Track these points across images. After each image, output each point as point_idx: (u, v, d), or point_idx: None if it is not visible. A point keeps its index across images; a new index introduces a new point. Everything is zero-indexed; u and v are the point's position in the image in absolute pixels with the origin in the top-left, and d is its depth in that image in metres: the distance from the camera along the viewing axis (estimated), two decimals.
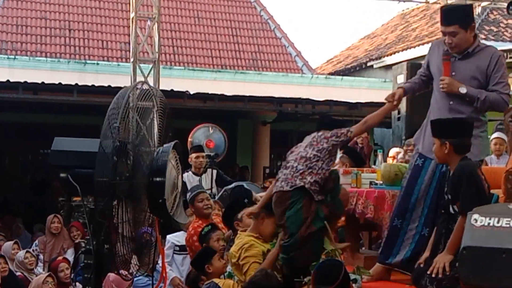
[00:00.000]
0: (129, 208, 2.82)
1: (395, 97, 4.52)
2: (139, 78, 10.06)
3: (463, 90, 4.26)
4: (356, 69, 18.69)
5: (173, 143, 3.05)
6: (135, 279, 6.14)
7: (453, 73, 4.35)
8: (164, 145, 2.99)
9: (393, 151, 7.80)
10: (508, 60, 14.03)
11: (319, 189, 4.31)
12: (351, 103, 12.27)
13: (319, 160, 4.38)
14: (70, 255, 7.98)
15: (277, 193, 4.39)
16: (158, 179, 2.87)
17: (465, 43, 4.31)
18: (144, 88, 3.35)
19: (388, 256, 4.49)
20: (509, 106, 4.33)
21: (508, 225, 3.29)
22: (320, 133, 4.51)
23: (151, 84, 9.99)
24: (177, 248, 6.07)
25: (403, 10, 21.94)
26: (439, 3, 11.01)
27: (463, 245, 3.41)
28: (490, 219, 3.37)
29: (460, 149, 4.01)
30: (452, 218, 3.94)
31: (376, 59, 17.92)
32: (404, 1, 11.93)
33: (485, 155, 4.33)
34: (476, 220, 3.42)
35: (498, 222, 3.34)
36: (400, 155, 7.37)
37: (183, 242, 5.74)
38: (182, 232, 5.81)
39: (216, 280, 4.35)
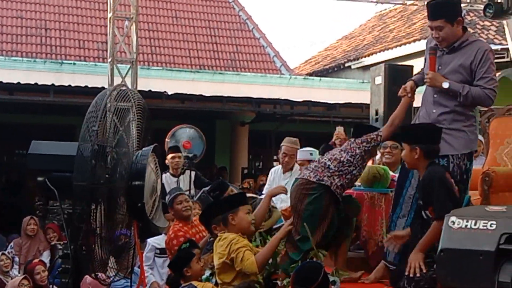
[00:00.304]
0: (107, 212, 2.79)
1: (407, 90, 4.52)
2: (117, 78, 9.99)
3: (445, 84, 4.28)
4: (334, 69, 18.77)
5: (152, 146, 3.02)
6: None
7: (440, 67, 4.37)
8: (144, 149, 2.97)
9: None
10: None
11: (342, 194, 4.39)
12: (330, 104, 12.32)
13: (352, 165, 4.48)
14: (46, 257, 7.89)
15: (301, 179, 4.48)
16: (137, 182, 2.84)
17: (452, 37, 4.31)
18: (122, 89, 3.32)
19: (387, 253, 4.54)
20: (493, 102, 4.34)
21: (485, 227, 3.31)
22: (352, 140, 4.60)
23: (129, 84, 9.93)
24: (158, 251, 6.04)
25: (380, 11, 22.08)
26: (416, 4, 11.10)
27: (440, 247, 3.43)
28: (467, 221, 3.39)
29: (429, 155, 4.08)
30: (425, 223, 3.99)
31: (354, 60, 18.02)
32: (382, 3, 11.97)
33: (469, 150, 4.33)
34: (453, 222, 3.44)
35: (475, 224, 3.36)
36: (377, 157, 7.39)
37: (163, 245, 5.72)
38: (163, 235, 5.77)
39: (194, 283, 4.33)
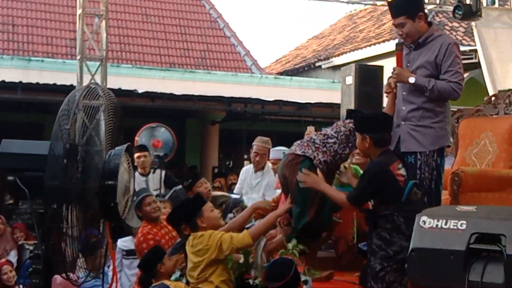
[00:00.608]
0: (79, 212, 2.76)
1: (392, 86, 4.53)
2: (86, 76, 9.88)
3: (411, 79, 4.31)
4: (304, 69, 18.84)
5: (125, 145, 2.99)
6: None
7: (408, 64, 4.40)
8: (116, 148, 2.94)
9: None
10: None
11: (326, 171, 4.37)
12: (301, 103, 12.36)
13: (336, 142, 4.51)
14: (13, 257, 7.76)
15: (288, 155, 4.52)
16: (110, 182, 2.81)
17: (415, 32, 4.35)
18: (94, 87, 3.28)
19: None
20: (460, 95, 4.39)
21: (455, 227, 3.34)
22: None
23: (98, 82, 9.82)
24: (125, 253, 5.98)
25: (350, 11, 22.22)
26: (386, 5, 11.18)
27: (412, 246, 3.46)
28: (438, 221, 3.43)
29: (379, 143, 4.12)
30: (375, 215, 4.04)
31: (324, 59, 18.11)
32: (352, 3, 12.04)
33: (438, 146, 4.36)
34: (424, 222, 3.47)
35: (446, 224, 3.39)
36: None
37: (131, 247, 5.66)
38: (130, 237, 5.71)
39: (167, 282, 4.32)
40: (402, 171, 4.03)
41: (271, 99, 12.24)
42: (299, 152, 4.45)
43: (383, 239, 3.96)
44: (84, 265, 4.03)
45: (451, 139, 6.97)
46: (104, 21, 9.98)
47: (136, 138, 8.80)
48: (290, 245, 4.36)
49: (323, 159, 4.44)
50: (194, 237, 4.18)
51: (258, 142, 6.97)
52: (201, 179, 5.82)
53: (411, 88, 4.37)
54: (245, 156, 13.92)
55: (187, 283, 4.31)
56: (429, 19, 15.87)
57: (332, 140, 4.51)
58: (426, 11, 15.26)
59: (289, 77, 15.18)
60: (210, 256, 4.07)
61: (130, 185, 3.01)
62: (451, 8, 10.48)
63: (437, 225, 3.41)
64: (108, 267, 5.03)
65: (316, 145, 4.48)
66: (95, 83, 3.07)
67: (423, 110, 4.35)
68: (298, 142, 4.58)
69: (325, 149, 4.47)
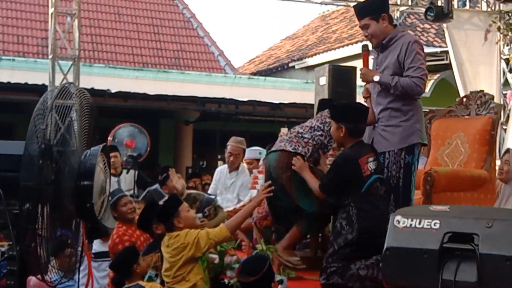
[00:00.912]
0: (53, 212, 2.74)
1: (370, 91, 4.60)
2: (58, 75, 9.78)
3: (376, 78, 4.42)
4: (278, 69, 18.88)
5: (101, 145, 2.97)
6: (54, 279, 5.96)
7: (377, 67, 4.50)
8: (92, 148, 2.92)
9: None
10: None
11: (312, 164, 4.46)
12: (274, 103, 12.39)
13: (323, 134, 4.57)
14: None
15: (280, 153, 4.51)
16: (85, 182, 2.79)
17: (380, 33, 4.44)
18: (66, 86, 3.24)
19: None
20: (423, 90, 4.47)
21: (429, 226, 3.36)
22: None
23: (71, 81, 9.72)
24: (93, 255, 5.92)
25: (323, 12, 22.34)
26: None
27: (386, 245, 3.46)
28: (412, 220, 3.44)
29: (354, 133, 4.21)
30: (337, 206, 4.13)
31: (298, 60, 18.17)
32: (326, 4, 12.10)
33: (407, 144, 4.41)
34: (398, 222, 3.48)
35: (419, 223, 3.40)
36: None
37: (98, 249, 5.61)
38: (98, 240, 5.64)
39: (141, 283, 4.30)
40: (371, 165, 4.11)
41: (245, 99, 12.25)
42: (290, 149, 4.49)
43: (335, 231, 4.10)
44: (57, 266, 3.99)
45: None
46: (76, 20, 9.88)
47: (108, 138, 8.73)
48: (260, 246, 4.38)
49: (310, 153, 4.51)
50: (170, 237, 4.17)
51: (232, 142, 6.95)
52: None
53: (379, 90, 4.46)
54: (219, 157, 13.92)
55: (162, 283, 4.29)
56: (400, 20, 16.00)
57: (319, 133, 4.56)
58: (398, 12, 15.42)
59: (263, 78, 15.20)
60: (188, 254, 4.08)
61: (106, 186, 3.00)
62: (423, 9, 10.60)
63: (411, 225, 3.42)
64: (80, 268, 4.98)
65: (305, 140, 4.53)
66: (69, 82, 3.04)
67: (391, 110, 4.43)
68: (286, 137, 4.60)
69: (314, 142, 4.54)
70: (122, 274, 4.52)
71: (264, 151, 6.49)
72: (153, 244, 4.69)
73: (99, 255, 5.78)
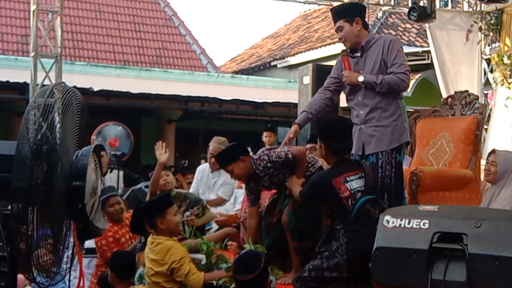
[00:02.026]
0: (43, 213, 2.71)
1: (291, 137, 4.62)
2: (40, 73, 9.69)
3: (360, 78, 4.45)
4: (260, 68, 18.88)
5: (93, 145, 2.95)
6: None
7: (361, 72, 4.52)
8: (83, 148, 2.89)
9: None
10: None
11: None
12: (258, 102, 12.39)
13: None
14: None
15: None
16: (77, 183, 2.77)
17: (353, 36, 4.50)
18: (57, 84, 3.21)
19: None
20: (408, 84, 4.53)
21: (418, 226, 3.38)
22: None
23: (53, 80, 9.64)
24: (84, 252, 5.88)
25: (305, 11, 22.38)
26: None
27: (376, 245, 3.48)
28: (401, 220, 3.45)
29: (335, 151, 4.09)
30: (336, 230, 4.00)
31: (280, 59, 18.19)
32: (309, 3, 12.12)
33: (398, 143, 4.44)
34: (388, 222, 3.50)
35: (408, 223, 3.42)
36: None
37: (89, 245, 5.59)
38: None
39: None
40: (353, 184, 3.95)
41: (228, 98, 12.23)
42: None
43: (329, 247, 3.93)
44: (50, 267, 3.96)
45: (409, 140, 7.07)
46: (58, 18, 9.79)
47: (92, 137, 8.67)
48: (248, 246, 4.39)
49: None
50: (153, 241, 4.19)
51: (214, 143, 6.87)
52: (165, 171, 5.69)
53: (366, 92, 4.49)
54: (202, 155, 13.88)
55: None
56: (382, 20, 16.05)
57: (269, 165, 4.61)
58: (380, 12, 15.44)
59: (246, 76, 15.20)
60: (164, 271, 4.15)
61: (98, 186, 2.98)
62: (405, 9, 10.66)
63: (400, 225, 3.43)
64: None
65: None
66: (61, 82, 3.00)
67: (380, 110, 4.46)
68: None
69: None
70: (121, 277, 4.49)
71: None
72: (146, 243, 4.68)
73: (88, 251, 5.76)
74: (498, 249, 3.11)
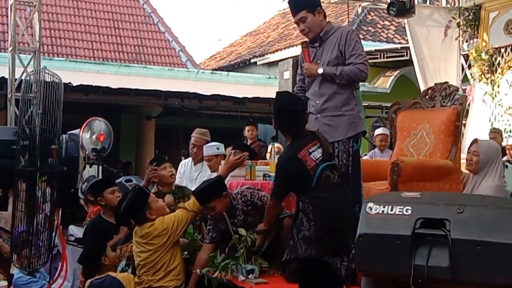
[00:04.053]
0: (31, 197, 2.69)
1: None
2: (18, 68, 9.60)
3: (320, 70, 4.51)
4: (239, 65, 18.87)
5: (79, 134, 2.94)
6: (16, 276, 5.85)
7: (318, 62, 4.57)
8: (69, 132, 2.87)
9: (270, 147, 7.72)
10: (384, 59, 14.78)
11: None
12: (238, 98, 12.36)
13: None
14: None
15: None
16: (69, 168, 2.74)
17: (316, 27, 4.55)
18: (40, 71, 3.19)
19: None
20: (367, 75, 4.57)
21: (401, 213, 3.39)
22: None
23: (32, 75, 9.54)
24: (74, 241, 5.81)
25: (284, 9, 22.39)
26: (322, 2, 11.32)
27: (359, 232, 3.48)
28: (384, 207, 3.46)
29: (288, 131, 4.23)
30: (300, 203, 4.12)
31: (259, 56, 18.18)
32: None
33: (354, 132, 4.53)
34: (371, 208, 3.51)
35: (391, 209, 3.43)
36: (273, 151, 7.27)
37: (79, 235, 5.52)
38: (76, 226, 5.54)
39: (112, 274, 4.27)
40: (316, 154, 4.09)
41: (208, 94, 12.19)
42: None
43: (296, 224, 4.06)
44: (19, 264, 3.93)
45: (388, 132, 7.13)
46: (37, 12, 9.70)
47: (81, 133, 8.55)
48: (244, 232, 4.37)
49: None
50: (142, 228, 4.16)
51: (195, 134, 6.86)
52: (165, 163, 5.61)
53: (322, 81, 4.55)
54: (182, 152, 13.80)
55: (134, 272, 4.27)
56: (361, 17, 16.19)
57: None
58: (359, 8, 15.53)
59: (226, 73, 15.16)
60: (171, 237, 4.17)
61: (83, 174, 2.97)
62: (384, 6, 10.71)
63: (383, 211, 3.44)
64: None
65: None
66: (43, 68, 2.97)
67: (336, 100, 4.54)
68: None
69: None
70: (91, 267, 4.46)
71: (221, 146, 6.45)
72: (129, 235, 4.65)
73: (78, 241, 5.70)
74: (481, 234, 3.12)
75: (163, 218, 4.14)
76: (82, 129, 8.21)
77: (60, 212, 2.87)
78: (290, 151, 4.19)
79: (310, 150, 4.08)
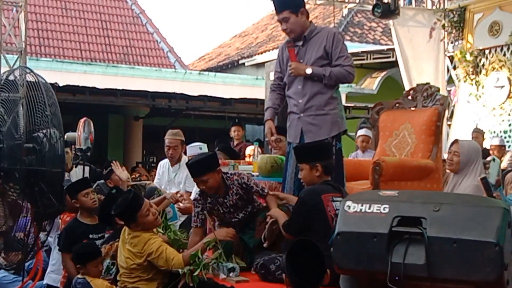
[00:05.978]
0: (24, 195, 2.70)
1: (274, 138, 4.71)
2: (4, 68, 9.57)
3: (309, 71, 4.52)
4: (228, 66, 18.90)
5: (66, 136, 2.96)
6: (0, 276, 5.85)
7: (301, 61, 4.58)
8: (53, 131, 2.88)
9: (249, 149, 7.49)
10: (371, 61, 14.86)
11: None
12: (225, 98, 12.38)
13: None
14: None
15: None
16: (58, 169, 2.76)
17: (299, 27, 4.56)
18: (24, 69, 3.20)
19: None
20: (354, 76, 4.61)
21: (378, 211, 3.42)
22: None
23: (18, 75, 9.52)
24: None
25: (272, 10, 22.41)
26: (309, 3, 11.39)
27: (337, 230, 3.51)
28: (362, 205, 3.49)
29: (328, 169, 4.18)
30: None
31: (248, 57, 18.22)
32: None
33: (337, 131, 4.57)
34: (349, 207, 3.54)
35: (369, 208, 3.46)
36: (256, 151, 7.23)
37: None
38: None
39: (88, 278, 4.31)
40: (336, 205, 3.99)
41: (196, 94, 12.21)
42: None
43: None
44: (5, 264, 3.93)
45: (371, 134, 7.16)
46: (23, 13, 9.69)
47: (78, 133, 8.51)
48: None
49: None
50: (129, 233, 4.19)
51: (168, 136, 6.76)
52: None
53: (305, 81, 4.56)
54: None
55: (117, 272, 4.30)
56: (348, 19, 16.20)
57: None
58: (346, 10, 15.54)
59: (213, 73, 15.17)
60: (143, 262, 4.15)
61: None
62: (370, 7, 10.78)
63: (361, 209, 3.46)
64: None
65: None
66: (24, 67, 2.99)
67: (319, 99, 4.56)
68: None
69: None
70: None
71: (204, 146, 6.44)
72: (114, 234, 4.65)
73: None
74: (456, 232, 3.16)
75: (147, 241, 4.14)
76: (79, 129, 8.17)
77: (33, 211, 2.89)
78: (315, 188, 4.11)
79: (334, 198, 4.05)
